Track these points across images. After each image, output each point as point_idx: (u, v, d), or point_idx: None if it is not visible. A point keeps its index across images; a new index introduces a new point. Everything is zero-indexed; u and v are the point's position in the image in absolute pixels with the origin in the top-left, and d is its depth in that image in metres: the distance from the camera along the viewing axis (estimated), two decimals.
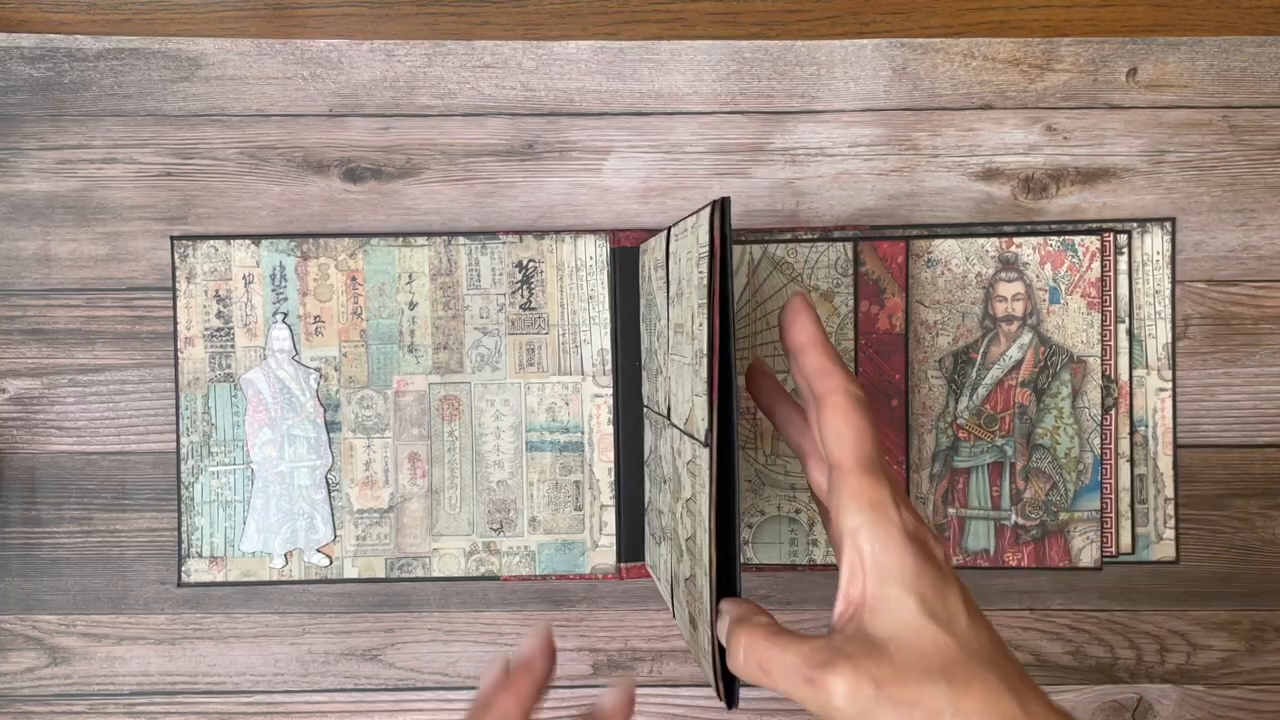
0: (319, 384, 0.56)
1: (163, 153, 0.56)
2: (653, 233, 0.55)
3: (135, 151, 0.55)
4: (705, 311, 0.36)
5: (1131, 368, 0.55)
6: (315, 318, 0.56)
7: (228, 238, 0.55)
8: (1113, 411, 0.54)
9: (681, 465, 0.42)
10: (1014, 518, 0.54)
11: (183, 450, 0.55)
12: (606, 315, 0.56)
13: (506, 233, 0.56)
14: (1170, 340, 0.55)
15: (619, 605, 0.56)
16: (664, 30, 0.57)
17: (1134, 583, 0.56)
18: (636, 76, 0.56)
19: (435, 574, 0.56)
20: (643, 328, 0.54)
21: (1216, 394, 0.55)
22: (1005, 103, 0.56)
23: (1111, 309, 0.54)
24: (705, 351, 0.36)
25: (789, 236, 0.55)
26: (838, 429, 0.34)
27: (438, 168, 0.56)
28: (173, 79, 0.55)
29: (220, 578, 0.55)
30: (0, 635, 0.56)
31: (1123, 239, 0.55)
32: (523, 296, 0.56)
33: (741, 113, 0.56)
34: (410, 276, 0.56)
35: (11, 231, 0.55)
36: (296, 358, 0.56)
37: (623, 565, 0.56)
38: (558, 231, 0.56)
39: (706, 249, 0.36)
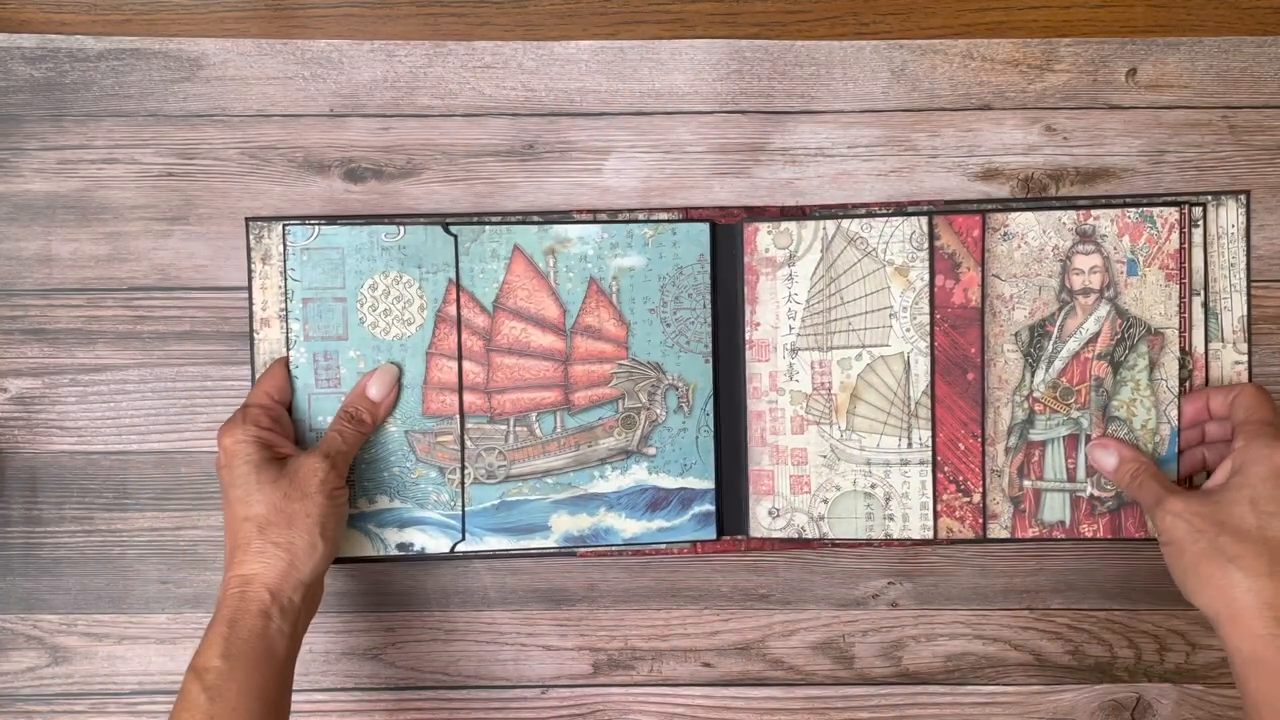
0: None
1: (164, 153, 0.56)
2: None
3: (136, 151, 0.56)
4: None
5: (1207, 341, 0.54)
6: None
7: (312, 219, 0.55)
8: (1188, 384, 0.54)
9: None
10: (1090, 489, 0.54)
11: None
12: None
13: None
14: (1246, 313, 0.55)
15: (619, 605, 0.56)
16: (664, 30, 0.57)
17: (1133, 582, 0.56)
18: (636, 76, 0.56)
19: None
20: None
21: None
22: (1004, 103, 0.56)
23: (1188, 281, 0.54)
24: None
25: (863, 211, 0.55)
26: None
27: (438, 168, 0.56)
28: (174, 79, 0.55)
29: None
30: (1, 635, 0.56)
31: (1197, 211, 0.54)
32: None
33: (741, 113, 0.56)
34: None
35: (13, 231, 0.55)
36: None
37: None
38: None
39: None
